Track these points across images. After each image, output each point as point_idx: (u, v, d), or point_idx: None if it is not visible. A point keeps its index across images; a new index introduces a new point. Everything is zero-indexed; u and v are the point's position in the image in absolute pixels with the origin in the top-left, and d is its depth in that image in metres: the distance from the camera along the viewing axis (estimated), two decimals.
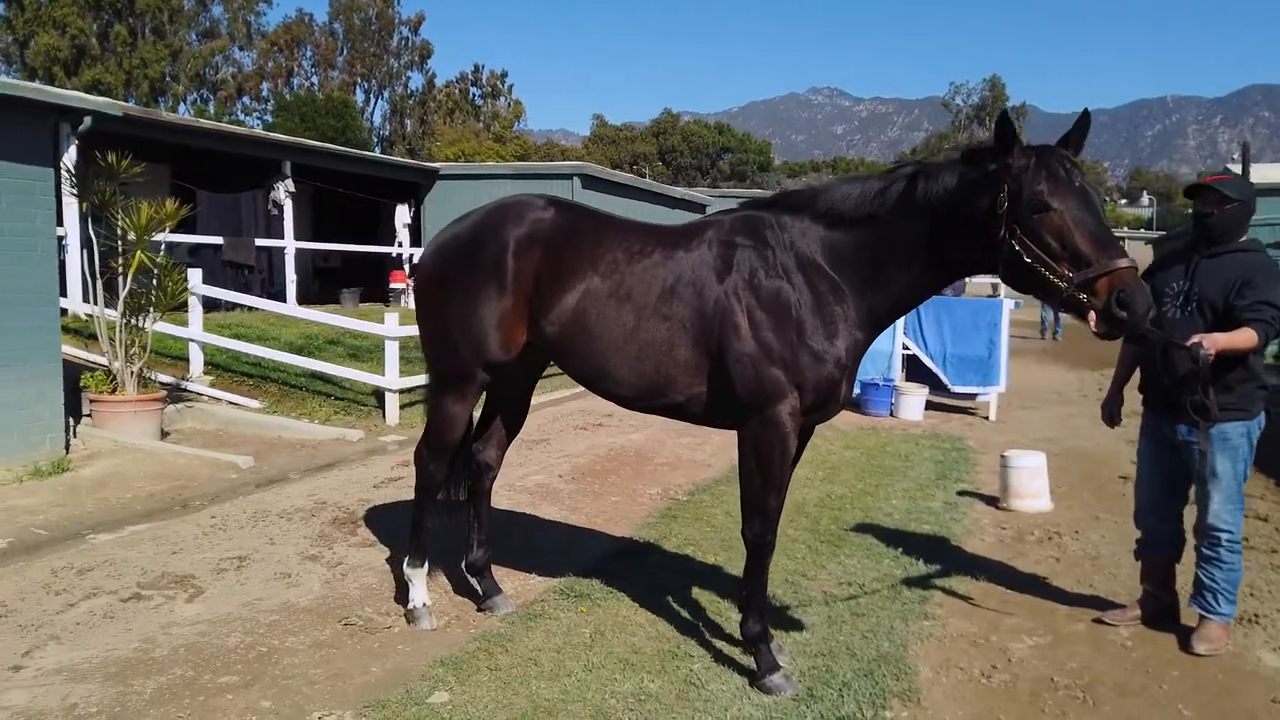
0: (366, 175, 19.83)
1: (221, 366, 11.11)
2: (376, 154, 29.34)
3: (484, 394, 4.66)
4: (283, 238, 17.20)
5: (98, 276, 8.73)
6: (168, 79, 52.24)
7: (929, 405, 11.20)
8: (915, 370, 11.81)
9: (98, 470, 7.61)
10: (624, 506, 6.94)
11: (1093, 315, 3.34)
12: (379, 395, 10.55)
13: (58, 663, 4.08)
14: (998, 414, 11.15)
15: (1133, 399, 4.76)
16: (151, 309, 8.94)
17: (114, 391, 8.59)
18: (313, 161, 18.08)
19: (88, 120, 10.52)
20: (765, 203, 4.16)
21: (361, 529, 6.18)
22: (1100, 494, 7.50)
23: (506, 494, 6.95)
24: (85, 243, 9.29)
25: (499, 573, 5.02)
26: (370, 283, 19.50)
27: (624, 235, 4.17)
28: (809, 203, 3.93)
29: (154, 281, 8.94)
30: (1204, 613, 4.39)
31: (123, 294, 8.73)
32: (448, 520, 5.01)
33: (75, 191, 9.01)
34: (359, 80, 63.34)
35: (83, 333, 11.00)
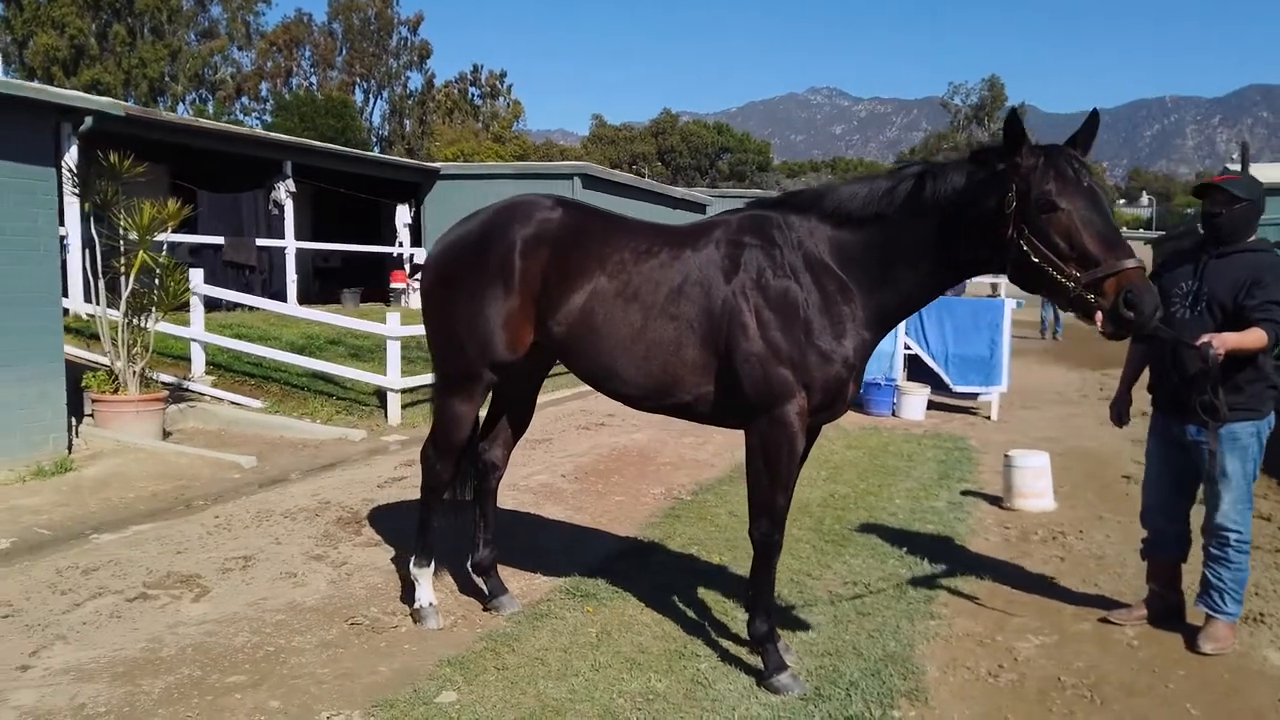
0: (367, 175, 19.83)
1: (223, 366, 11.11)
2: (377, 154, 29.32)
3: (490, 394, 4.66)
4: (283, 238, 17.19)
5: (100, 276, 8.73)
6: (167, 79, 52.18)
7: (931, 405, 11.21)
8: (917, 370, 11.83)
9: (100, 470, 7.61)
10: (628, 506, 6.94)
11: (1100, 315, 3.34)
12: (381, 395, 10.56)
13: (65, 662, 4.08)
14: (999, 414, 11.16)
15: (1139, 399, 4.77)
16: (153, 309, 8.93)
17: (116, 391, 8.58)
18: (313, 161, 18.07)
19: (89, 120, 10.52)
20: (772, 202, 4.16)
21: (366, 529, 6.18)
22: (1104, 494, 7.51)
23: (510, 494, 6.95)
24: (87, 242, 9.29)
25: (504, 572, 5.02)
26: (371, 283, 19.49)
27: (631, 235, 4.17)
28: (816, 202, 3.94)
29: (156, 281, 8.94)
30: (1211, 612, 4.39)
31: (125, 294, 8.73)
32: (453, 520, 5.00)
33: (77, 191, 9.00)
34: (358, 80, 63.28)
35: (84, 333, 11.00)
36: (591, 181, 20.40)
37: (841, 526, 6.34)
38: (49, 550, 5.67)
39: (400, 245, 20.19)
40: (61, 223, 10.09)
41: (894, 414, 11.03)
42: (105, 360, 8.90)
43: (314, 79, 62.67)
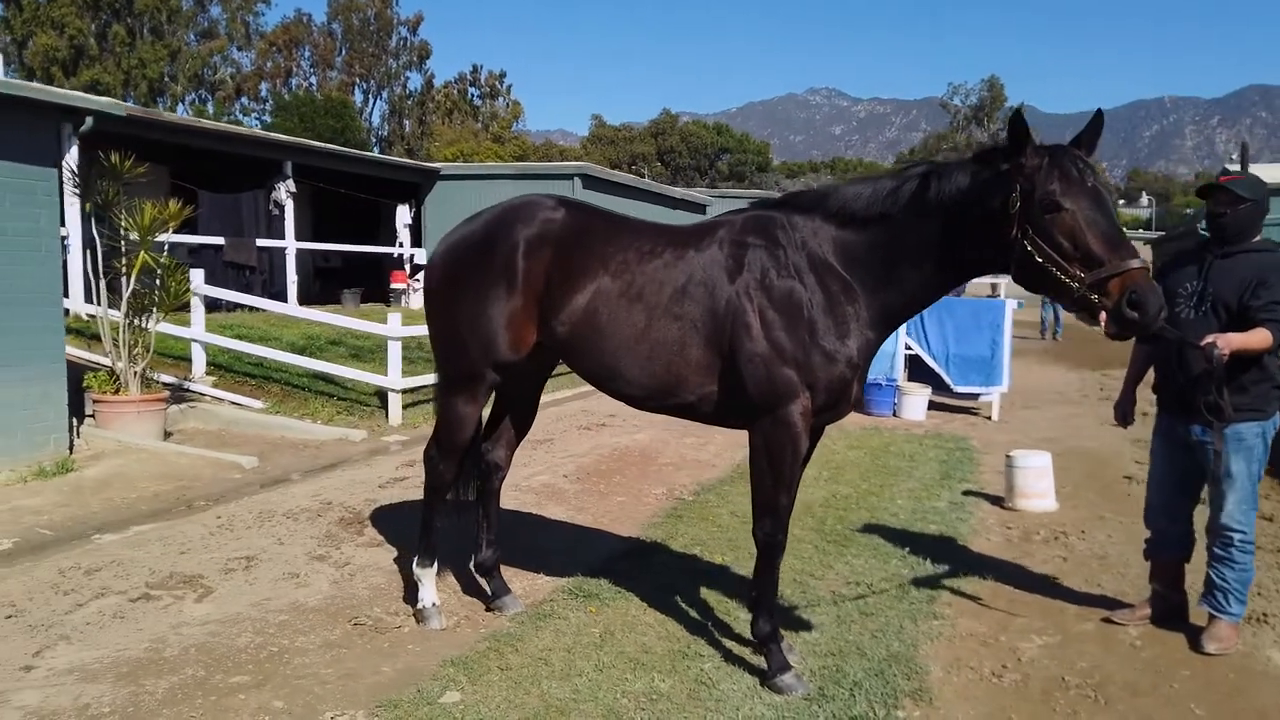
0: (367, 175, 19.84)
1: (223, 367, 11.11)
2: (377, 154, 29.32)
3: (493, 394, 4.66)
4: (283, 238, 17.20)
5: (101, 277, 8.73)
6: (166, 79, 52.16)
7: (931, 405, 11.21)
8: (917, 370, 11.83)
9: (102, 470, 7.60)
10: (629, 506, 6.94)
11: (1104, 316, 3.34)
12: (381, 395, 10.55)
13: (69, 663, 4.08)
14: (1000, 414, 11.17)
15: (1141, 399, 4.77)
16: (155, 309, 8.93)
17: (117, 392, 8.58)
18: (313, 162, 18.08)
19: (89, 120, 10.52)
20: (776, 202, 4.16)
21: (368, 529, 6.17)
22: (1105, 494, 7.51)
23: (512, 494, 6.94)
24: (88, 243, 9.28)
25: (506, 573, 5.01)
26: (371, 283, 19.50)
27: (635, 235, 4.17)
28: (820, 202, 3.94)
29: (157, 282, 8.94)
30: (1214, 612, 4.39)
31: (126, 294, 8.73)
32: (456, 520, 5.00)
33: (78, 192, 9.00)
34: (357, 80, 63.26)
35: (84, 333, 11.00)
36: (591, 182, 20.41)
37: (844, 527, 6.34)
38: (51, 550, 5.67)
39: (400, 246, 20.19)
40: (62, 223, 10.10)
41: (895, 414, 11.03)
42: (106, 361, 8.90)
43: (313, 79, 62.67)
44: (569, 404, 11.80)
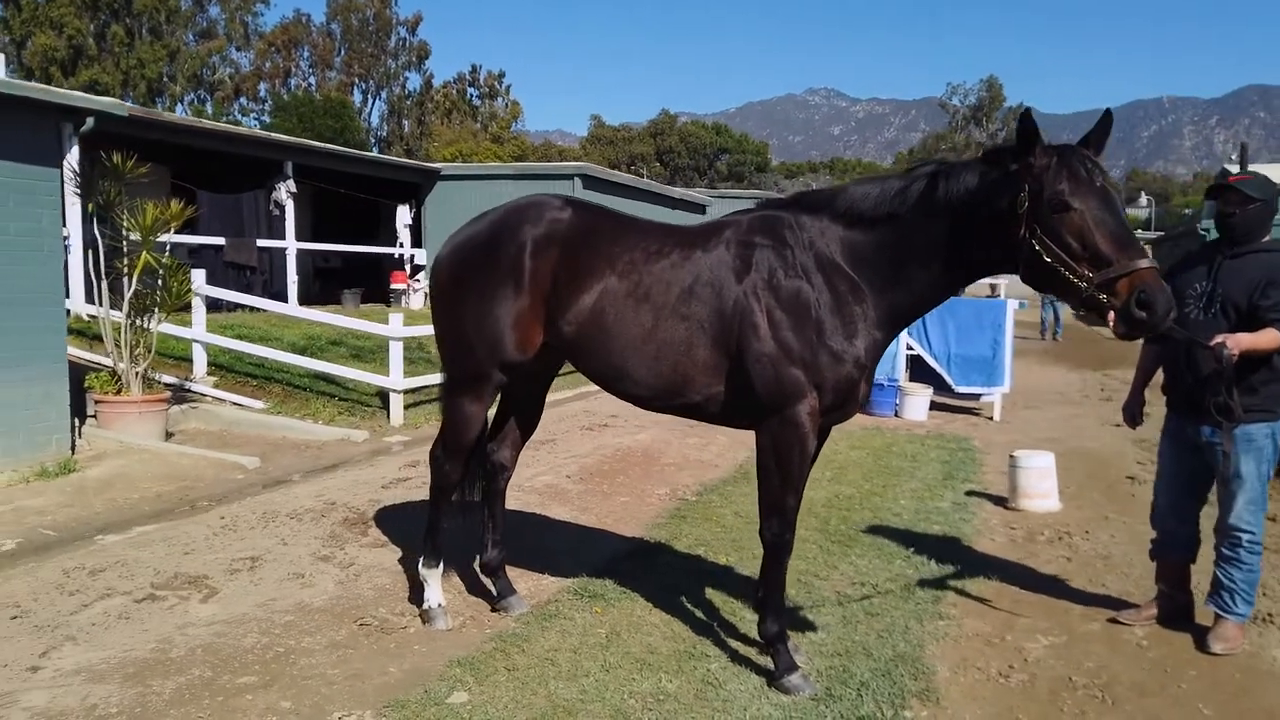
0: (367, 176, 19.83)
1: (224, 367, 11.11)
2: (377, 155, 29.30)
3: (499, 394, 4.66)
4: (283, 238, 17.18)
5: (103, 277, 8.72)
6: (165, 79, 52.15)
7: (933, 405, 11.22)
8: (919, 370, 11.83)
9: (104, 471, 7.60)
10: (633, 507, 6.94)
11: (1113, 315, 3.34)
12: (383, 396, 10.55)
13: (76, 663, 4.07)
14: (1001, 414, 11.17)
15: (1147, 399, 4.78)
16: (156, 309, 8.93)
17: (119, 392, 8.57)
18: (314, 162, 18.06)
19: (90, 120, 10.51)
20: (783, 202, 4.16)
21: (372, 529, 6.17)
22: (1108, 494, 7.51)
23: (515, 494, 6.93)
24: (89, 243, 9.28)
25: (511, 573, 5.01)
26: (371, 283, 19.49)
27: (642, 235, 4.17)
28: (828, 202, 3.93)
29: (159, 282, 8.93)
30: (1221, 612, 4.39)
31: (128, 294, 8.72)
32: (461, 521, 5.00)
33: (79, 192, 8.99)
34: (356, 81, 63.25)
35: (85, 333, 10.99)
36: (592, 182, 20.41)
37: (847, 527, 6.34)
38: (55, 551, 5.66)
39: (400, 246, 20.18)
40: (63, 224, 10.09)
41: (897, 414, 11.03)
42: (107, 361, 8.89)
43: (312, 79, 62.66)
44: (570, 404, 11.79)
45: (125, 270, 8.81)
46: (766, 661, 4.06)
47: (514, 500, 6.69)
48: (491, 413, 4.80)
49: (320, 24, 63.80)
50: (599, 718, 3.66)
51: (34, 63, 46.60)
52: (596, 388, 4.41)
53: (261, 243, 16.53)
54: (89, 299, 11.29)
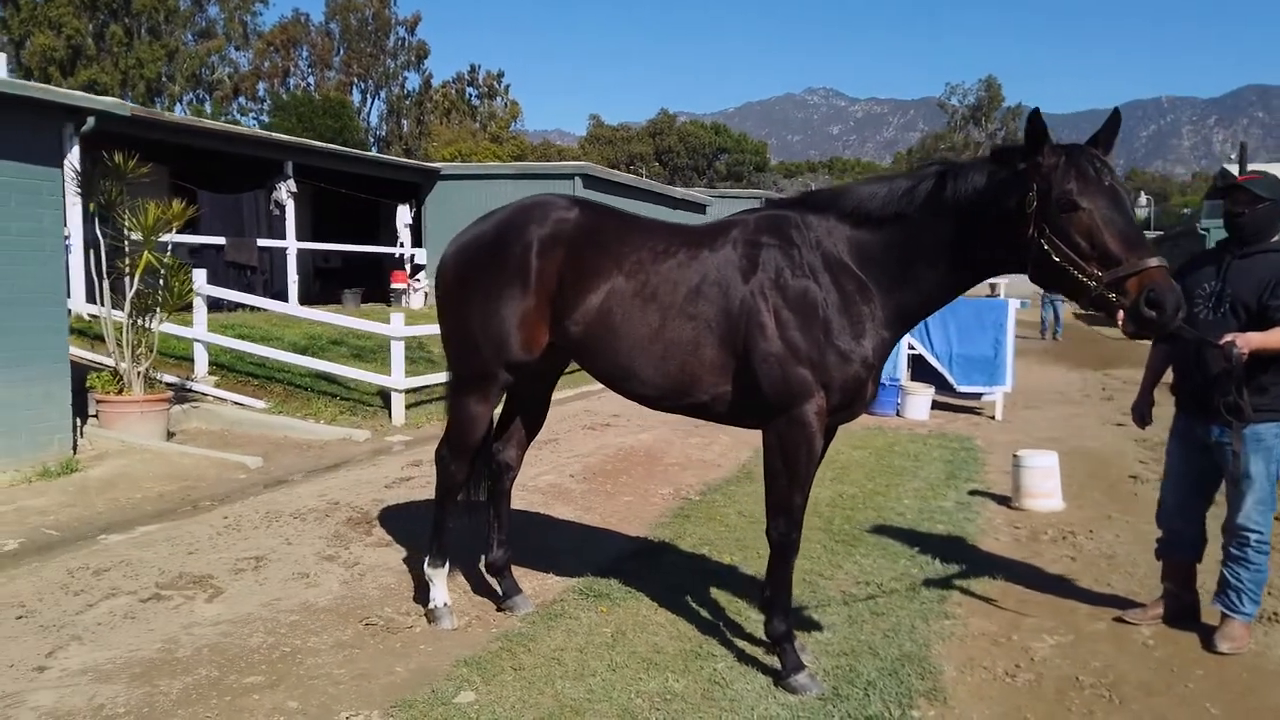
0: (367, 175, 19.82)
1: (226, 367, 11.10)
2: (377, 154, 29.27)
3: (504, 394, 4.65)
4: (284, 238, 17.17)
5: (104, 277, 8.71)
6: (164, 79, 52.05)
7: (935, 405, 11.22)
8: (920, 370, 11.83)
9: (106, 471, 7.59)
10: (637, 506, 6.93)
11: (1122, 315, 3.34)
12: (384, 395, 10.54)
13: (82, 663, 4.07)
14: (1003, 414, 11.17)
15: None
16: (158, 309, 8.92)
17: (120, 392, 8.56)
18: (314, 162, 18.05)
19: (91, 120, 10.51)
20: (790, 202, 4.16)
21: (376, 529, 6.16)
22: (1111, 493, 7.51)
23: (519, 494, 6.90)
24: (90, 243, 9.27)
25: (516, 572, 5.00)
26: (371, 283, 19.49)
27: (648, 235, 4.16)
28: (834, 201, 3.93)
29: (160, 282, 8.93)
30: (1227, 611, 4.39)
31: (129, 294, 8.71)
32: (466, 520, 5.00)
33: (80, 192, 8.98)
34: (355, 80, 63.16)
35: (87, 333, 10.97)
36: (592, 182, 20.39)
37: (851, 526, 6.34)
38: (59, 551, 5.65)
39: (401, 246, 20.17)
40: (64, 223, 10.07)
41: (899, 414, 11.03)
42: (109, 361, 8.89)
43: (311, 79, 62.57)
44: (573, 404, 11.79)
45: (127, 270, 8.81)
46: (773, 661, 4.05)
47: (518, 500, 6.68)
48: (497, 413, 4.80)
49: (319, 24, 63.73)
50: (606, 717, 3.66)
51: (33, 62, 46.52)
52: (598, 387, 4.42)
53: (262, 242, 16.52)
54: (90, 299, 11.28)
